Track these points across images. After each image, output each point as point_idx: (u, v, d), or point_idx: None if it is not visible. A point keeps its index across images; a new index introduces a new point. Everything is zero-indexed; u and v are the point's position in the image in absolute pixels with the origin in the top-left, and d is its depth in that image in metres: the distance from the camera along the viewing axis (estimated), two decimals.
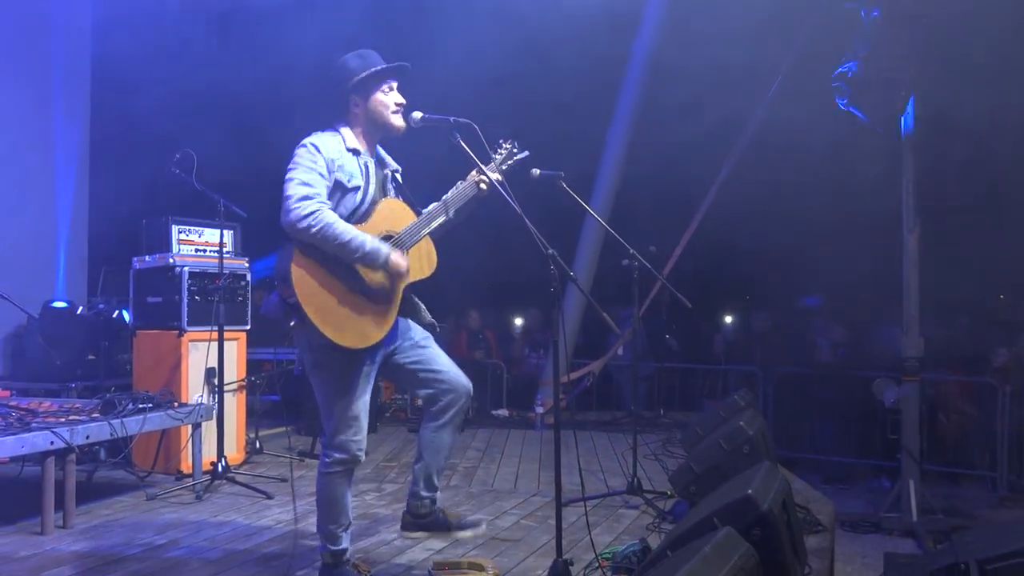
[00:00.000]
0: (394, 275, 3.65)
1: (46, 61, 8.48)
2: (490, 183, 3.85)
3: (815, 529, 4.82)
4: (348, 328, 3.54)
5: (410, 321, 3.88)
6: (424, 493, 3.90)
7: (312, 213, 3.44)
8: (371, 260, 3.54)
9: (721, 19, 8.91)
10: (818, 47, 9.18)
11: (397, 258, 3.62)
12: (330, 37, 7.88)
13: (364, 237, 3.53)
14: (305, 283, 3.48)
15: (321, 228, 3.43)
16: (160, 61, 9.18)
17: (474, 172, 3.88)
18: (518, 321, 12.46)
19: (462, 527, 3.95)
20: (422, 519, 3.93)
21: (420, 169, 4.38)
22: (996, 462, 9.04)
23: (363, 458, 3.77)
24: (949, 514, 8.12)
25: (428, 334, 3.93)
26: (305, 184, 3.50)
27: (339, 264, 3.55)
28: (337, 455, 3.69)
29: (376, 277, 3.63)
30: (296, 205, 3.44)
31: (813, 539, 4.58)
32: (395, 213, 3.81)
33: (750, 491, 3.21)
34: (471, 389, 3.91)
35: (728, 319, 12.55)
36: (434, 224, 3.83)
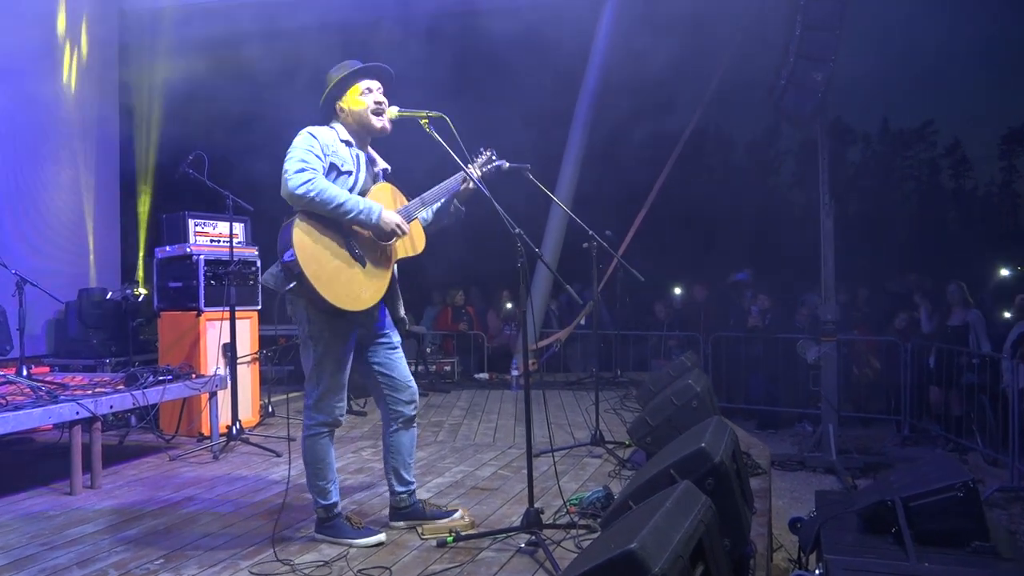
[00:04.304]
0: (389, 233, 3.29)
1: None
2: (472, 181, 3.47)
3: (756, 472, 4.49)
4: (341, 290, 3.19)
5: (389, 320, 3.52)
6: (399, 488, 3.57)
7: (308, 180, 3.12)
8: (364, 217, 3.21)
9: (661, 39, 8.58)
10: (744, 62, 8.89)
11: (389, 214, 3.28)
12: None
13: (357, 198, 3.22)
14: (305, 246, 3.14)
15: (318, 192, 3.12)
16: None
17: (460, 174, 3.50)
18: (507, 305, 11.91)
19: (440, 516, 3.57)
20: (403, 511, 3.59)
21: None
22: (900, 408, 8.81)
23: (343, 422, 3.41)
24: (862, 452, 7.89)
25: (399, 342, 3.55)
26: (302, 160, 3.17)
27: (338, 231, 3.22)
28: (320, 417, 3.34)
29: (374, 247, 3.30)
30: (294, 175, 3.12)
31: (755, 481, 4.21)
32: (388, 195, 3.47)
33: (703, 444, 2.88)
34: (416, 398, 3.57)
35: (675, 291, 12.17)
36: (423, 209, 3.49)
